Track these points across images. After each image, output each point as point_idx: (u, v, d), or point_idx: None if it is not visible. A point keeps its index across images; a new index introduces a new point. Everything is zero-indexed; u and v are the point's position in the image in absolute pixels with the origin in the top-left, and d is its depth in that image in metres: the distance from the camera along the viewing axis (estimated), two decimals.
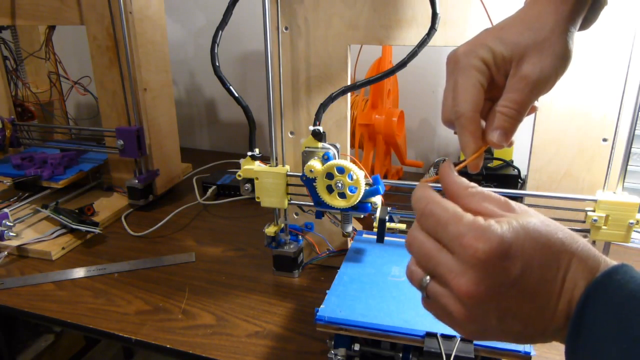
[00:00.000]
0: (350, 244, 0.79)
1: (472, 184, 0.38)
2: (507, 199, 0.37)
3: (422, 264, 0.37)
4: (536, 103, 0.40)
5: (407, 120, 1.19)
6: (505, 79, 0.40)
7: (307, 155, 0.72)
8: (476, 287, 0.33)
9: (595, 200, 0.66)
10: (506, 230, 0.33)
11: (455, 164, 0.39)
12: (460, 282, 0.33)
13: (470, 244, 0.33)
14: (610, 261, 0.33)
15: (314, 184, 0.71)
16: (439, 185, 0.39)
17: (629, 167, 0.66)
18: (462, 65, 0.40)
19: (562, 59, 0.39)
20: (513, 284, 0.33)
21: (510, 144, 0.41)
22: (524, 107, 0.39)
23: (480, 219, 0.34)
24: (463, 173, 0.40)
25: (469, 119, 0.39)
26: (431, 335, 0.56)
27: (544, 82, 0.39)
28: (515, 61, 0.39)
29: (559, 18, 0.39)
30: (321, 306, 0.61)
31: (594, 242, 0.69)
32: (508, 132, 0.39)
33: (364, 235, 0.80)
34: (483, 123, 0.41)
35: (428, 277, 0.36)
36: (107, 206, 1.08)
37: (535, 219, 0.34)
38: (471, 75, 0.39)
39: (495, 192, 0.38)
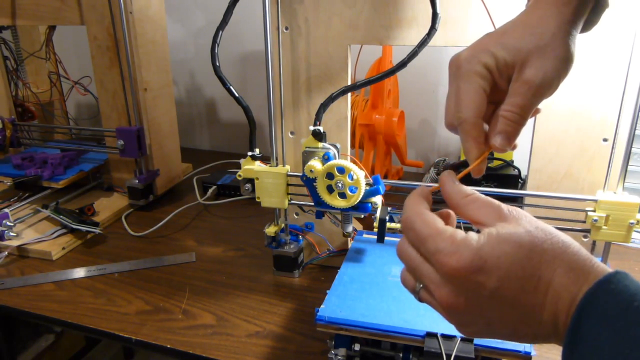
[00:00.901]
0: (350, 244, 0.79)
1: (470, 191, 0.39)
2: (500, 204, 0.37)
3: (410, 273, 0.39)
4: (539, 105, 0.40)
5: (408, 120, 1.19)
6: (508, 83, 0.40)
7: (307, 155, 0.72)
8: (455, 299, 0.35)
9: (595, 200, 0.66)
10: (482, 246, 0.34)
11: (457, 166, 0.40)
12: (441, 293, 0.35)
13: (444, 261, 0.34)
14: (604, 268, 0.33)
15: (314, 184, 0.71)
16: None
17: (629, 167, 0.66)
18: (465, 70, 0.40)
19: (564, 63, 0.39)
20: (491, 296, 0.34)
21: (514, 148, 0.41)
22: (527, 111, 0.39)
23: (458, 234, 0.35)
24: (466, 175, 0.41)
25: (472, 125, 0.39)
26: (431, 335, 0.56)
27: (546, 86, 0.39)
28: (517, 66, 0.39)
29: (561, 22, 0.38)
30: (321, 306, 0.61)
31: (594, 243, 0.70)
32: (511, 136, 0.40)
33: (364, 235, 0.80)
34: (486, 127, 0.41)
35: (421, 285, 0.38)
36: (107, 206, 1.09)
37: (522, 228, 0.34)
38: (473, 81, 0.39)
39: (495, 192, 0.38)
